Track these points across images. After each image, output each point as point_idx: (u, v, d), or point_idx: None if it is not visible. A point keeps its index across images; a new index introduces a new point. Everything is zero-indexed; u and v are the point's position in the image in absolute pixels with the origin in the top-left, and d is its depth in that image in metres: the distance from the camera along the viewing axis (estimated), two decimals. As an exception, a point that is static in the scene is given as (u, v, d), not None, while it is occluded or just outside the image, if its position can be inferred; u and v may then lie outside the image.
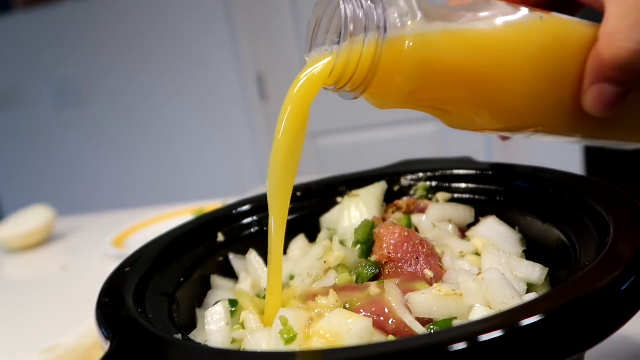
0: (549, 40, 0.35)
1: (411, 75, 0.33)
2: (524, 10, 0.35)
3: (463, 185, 0.47)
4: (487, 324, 0.22)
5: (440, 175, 0.48)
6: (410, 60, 0.32)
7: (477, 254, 0.40)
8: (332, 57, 0.33)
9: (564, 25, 0.36)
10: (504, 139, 0.49)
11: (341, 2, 0.32)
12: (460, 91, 0.35)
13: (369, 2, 0.32)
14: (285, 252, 0.47)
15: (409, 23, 0.32)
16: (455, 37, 0.33)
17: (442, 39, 0.33)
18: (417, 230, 0.44)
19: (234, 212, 0.49)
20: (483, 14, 0.34)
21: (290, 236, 0.48)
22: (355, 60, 0.32)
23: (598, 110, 0.35)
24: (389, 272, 0.36)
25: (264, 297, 0.42)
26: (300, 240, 0.48)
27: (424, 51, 0.32)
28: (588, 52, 0.35)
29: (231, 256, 0.47)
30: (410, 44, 0.32)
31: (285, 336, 0.31)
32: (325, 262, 0.40)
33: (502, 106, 0.36)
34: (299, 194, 0.51)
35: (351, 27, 0.32)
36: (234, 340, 0.36)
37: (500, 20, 0.34)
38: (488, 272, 0.32)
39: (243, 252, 0.47)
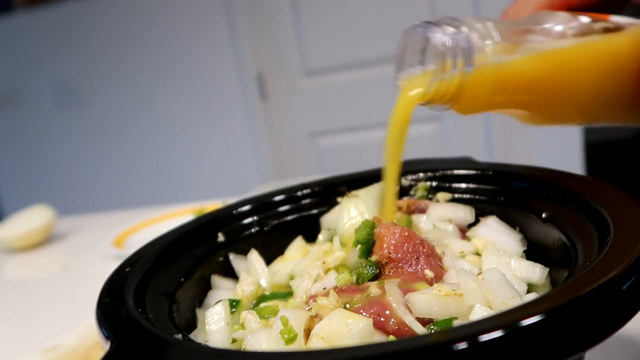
0: (611, 45, 0.39)
1: (493, 90, 0.38)
2: (585, 19, 0.39)
3: (463, 185, 0.47)
4: (487, 324, 0.22)
5: (440, 175, 0.49)
6: (492, 77, 0.37)
7: (478, 254, 0.40)
8: (426, 83, 0.38)
9: (623, 28, 0.39)
10: None
11: (432, 33, 0.36)
12: (535, 99, 0.40)
13: (452, 28, 0.36)
14: (283, 253, 0.48)
15: (489, 44, 0.37)
16: (529, 54, 0.38)
17: (519, 58, 0.37)
18: (417, 230, 0.44)
19: (234, 212, 0.49)
20: (549, 27, 0.39)
21: (288, 237, 0.49)
22: (446, 83, 0.37)
23: None
24: (389, 272, 0.36)
25: (264, 298, 0.42)
26: (298, 242, 0.48)
27: (503, 69, 0.37)
28: None
29: (231, 256, 0.47)
30: (492, 64, 0.37)
31: (286, 336, 0.31)
32: (324, 262, 0.40)
33: (570, 107, 0.40)
34: (299, 194, 0.51)
35: (440, 52, 0.36)
36: (234, 340, 0.36)
37: (566, 33, 0.38)
38: (488, 272, 0.32)
39: (243, 252, 0.47)
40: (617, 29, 0.39)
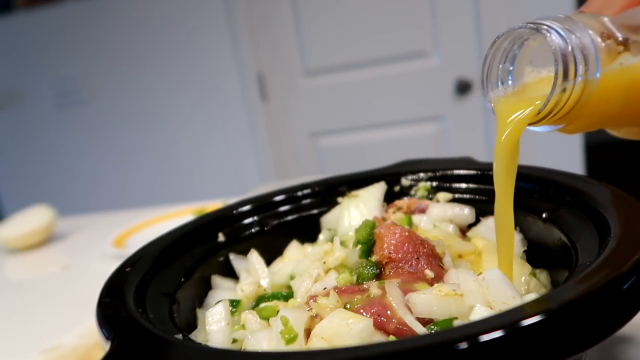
0: None
1: (621, 99, 0.32)
2: None
3: (464, 185, 0.47)
4: (487, 324, 0.22)
5: (440, 175, 0.48)
6: (620, 83, 0.31)
7: (478, 254, 0.40)
8: (533, 99, 0.32)
9: None
10: None
11: (546, 33, 0.30)
12: None
13: (563, 26, 0.30)
14: (281, 255, 0.48)
15: (612, 44, 0.31)
16: None
17: None
18: (417, 230, 0.44)
19: (234, 212, 0.49)
20: None
21: (289, 237, 0.49)
22: (567, 94, 0.31)
23: None
24: (389, 272, 0.36)
25: (264, 298, 0.42)
26: (294, 244, 0.48)
27: (631, 76, 0.31)
28: None
29: (232, 256, 0.47)
30: (619, 67, 0.31)
31: (286, 336, 0.31)
32: (325, 262, 0.40)
33: None
34: (299, 194, 0.51)
35: (559, 56, 0.30)
36: (234, 341, 0.36)
37: None
38: (488, 272, 0.32)
39: (244, 252, 0.47)
40: None
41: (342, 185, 0.51)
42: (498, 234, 0.36)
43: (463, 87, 1.85)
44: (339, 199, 0.49)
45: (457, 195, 0.47)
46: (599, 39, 0.31)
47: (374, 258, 0.37)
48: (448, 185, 0.48)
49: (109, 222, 1.19)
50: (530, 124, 0.34)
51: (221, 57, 2.02)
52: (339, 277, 0.37)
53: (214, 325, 0.36)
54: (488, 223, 0.43)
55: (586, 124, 0.34)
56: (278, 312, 0.36)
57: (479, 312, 0.30)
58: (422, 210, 0.46)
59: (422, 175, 0.49)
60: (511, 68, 0.34)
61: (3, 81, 2.28)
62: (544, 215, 0.39)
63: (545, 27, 0.31)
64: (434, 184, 0.49)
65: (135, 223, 1.06)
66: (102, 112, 2.20)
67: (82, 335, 0.65)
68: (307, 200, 0.51)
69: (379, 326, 0.31)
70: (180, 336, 0.32)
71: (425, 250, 0.37)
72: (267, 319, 0.36)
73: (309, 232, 0.49)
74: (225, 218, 0.48)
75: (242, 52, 1.99)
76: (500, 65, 0.34)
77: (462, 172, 0.47)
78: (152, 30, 2.06)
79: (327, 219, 0.49)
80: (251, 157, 2.10)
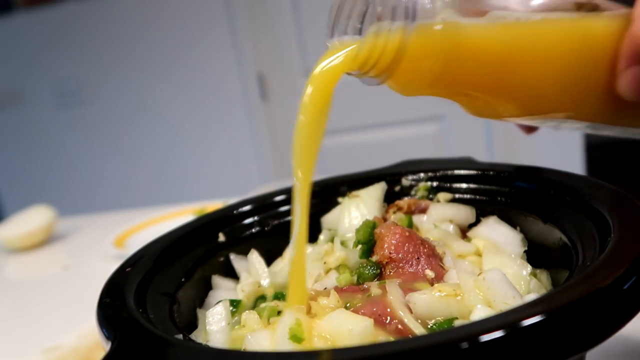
0: (581, 23, 0.34)
1: (439, 59, 0.32)
2: None
3: (464, 185, 0.47)
4: (488, 324, 0.22)
5: (441, 175, 0.48)
6: (439, 44, 0.31)
7: (478, 254, 0.40)
8: (358, 42, 0.32)
9: (597, 7, 0.35)
10: (529, 130, 0.48)
11: None
12: (489, 76, 0.34)
13: None
14: (282, 255, 0.48)
15: (439, 5, 0.31)
16: (489, 22, 0.32)
17: (473, 25, 0.32)
18: (418, 230, 0.44)
19: (235, 212, 0.49)
20: None
21: (287, 238, 0.48)
22: (382, 44, 0.31)
23: (633, 94, 0.33)
24: (390, 272, 0.36)
25: (265, 298, 0.42)
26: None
27: (453, 35, 0.31)
28: (622, 34, 0.33)
29: (232, 256, 0.47)
30: (440, 28, 0.31)
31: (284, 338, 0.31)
32: (325, 262, 0.40)
33: (531, 90, 0.35)
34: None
35: (379, 9, 0.31)
36: (235, 341, 0.36)
37: (534, 6, 0.33)
38: (489, 272, 0.32)
39: (244, 252, 0.47)
40: (594, 8, 0.34)
41: (343, 185, 0.51)
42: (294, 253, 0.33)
43: (463, 87, 1.84)
44: (339, 199, 0.49)
45: (457, 195, 0.47)
46: None
47: (374, 258, 0.37)
48: (448, 185, 0.48)
49: (109, 222, 1.19)
50: (353, 74, 0.33)
51: (222, 58, 2.02)
52: (340, 277, 0.37)
53: (215, 325, 0.36)
54: (489, 223, 0.43)
55: (411, 83, 0.33)
56: (279, 312, 0.36)
57: (480, 312, 0.30)
58: (423, 210, 0.46)
59: (422, 175, 0.49)
60: (359, 26, 0.33)
61: (3, 81, 2.28)
62: (544, 216, 0.39)
63: None
64: (435, 184, 0.49)
65: (136, 223, 1.06)
66: (103, 112, 2.20)
67: (82, 335, 0.65)
68: (308, 201, 0.51)
69: (379, 326, 0.31)
70: (180, 336, 0.32)
71: (425, 250, 0.37)
72: (267, 318, 0.36)
73: (309, 232, 0.49)
74: (225, 218, 0.48)
75: (243, 53, 1.99)
76: (348, 22, 0.34)
77: (462, 172, 0.47)
78: (152, 30, 2.06)
79: (328, 219, 0.49)
80: (251, 157, 2.10)
